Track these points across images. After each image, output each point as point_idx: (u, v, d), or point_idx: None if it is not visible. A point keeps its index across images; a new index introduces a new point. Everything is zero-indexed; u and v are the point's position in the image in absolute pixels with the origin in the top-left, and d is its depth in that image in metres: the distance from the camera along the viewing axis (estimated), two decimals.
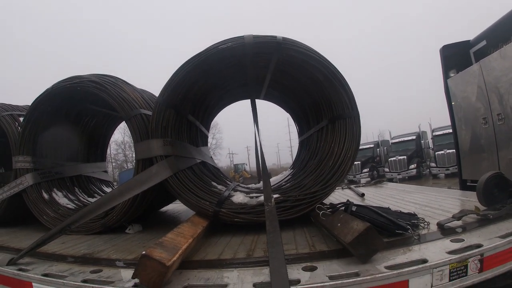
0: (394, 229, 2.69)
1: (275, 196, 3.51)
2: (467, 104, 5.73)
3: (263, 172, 4.08)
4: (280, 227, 2.77)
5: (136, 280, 2.16)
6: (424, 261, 2.22)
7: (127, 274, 2.48)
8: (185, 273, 2.41)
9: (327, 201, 3.92)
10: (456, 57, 6.14)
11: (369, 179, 25.48)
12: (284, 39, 3.75)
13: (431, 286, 2.15)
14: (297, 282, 2.13)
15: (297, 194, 3.65)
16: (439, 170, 23.13)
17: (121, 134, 46.75)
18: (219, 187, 4.04)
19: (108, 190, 6.07)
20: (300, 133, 5.75)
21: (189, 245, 2.60)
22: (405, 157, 25.08)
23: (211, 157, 5.60)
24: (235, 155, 63.03)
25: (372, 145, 30.51)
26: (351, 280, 2.08)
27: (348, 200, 3.25)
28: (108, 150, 7.07)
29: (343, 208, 3.11)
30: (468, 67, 5.71)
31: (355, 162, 3.95)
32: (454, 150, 6.55)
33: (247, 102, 4.96)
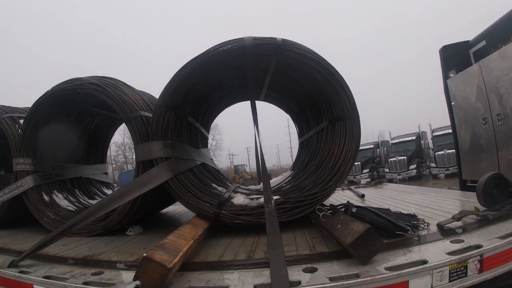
0: (394, 230, 2.70)
1: (275, 197, 3.52)
2: (467, 105, 5.74)
3: (263, 174, 4.08)
4: (281, 228, 2.78)
5: (138, 282, 2.16)
6: (424, 262, 2.23)
7: (128, 276, 2.49)
8: (186, 275, 2.41)
9: (327, 202, 3.93)
10: (455, 58, 6.15)
11: (369, 179, 25.45)
12: (284, 40, 3.76)
13: (431, 287, 2.16)
14: (298, 283, 2.13)
15: (297, 195, 3.65)
16: (439, 171, 23.12)
17: (121, 135, 46.73)
18: (220, 188, 4.05)
19: (108, 192, 6.07)
20: (300, 135, 5.76)
21: (190, 247, 2.61)
22: (405, 157, 25.06)
23: (211, 158, 5.61)
24: (235, 156, 62.98)
25: (372, 146, 30.48)
26: (351, 281, 2.09)
27: (348, 202, 3.27)
28: (108, 151, 7.07)
29: (343, 209, 3.12)
30: (467, 67, 5.72)
31: (355, 163, 3.94)
32: (454, 150, 6.55)
33: (247, 103, 4.96)
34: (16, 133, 5.02)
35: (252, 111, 4.51)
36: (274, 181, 5.14)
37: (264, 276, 2.29)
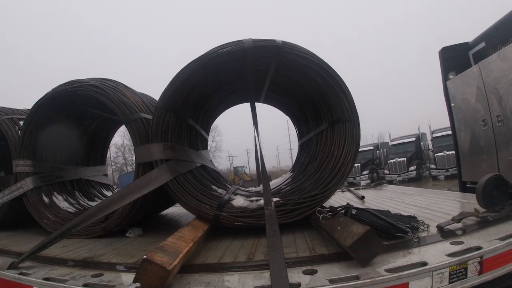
0: (394, 232, 2.70)
1: (275, 199, 3.52)
2: (467, 106, 5.75)
3: (263, 175, 4.09)
4: (280, 230, 2.78)
5: (137, 284, 2.16)
6: (424, 263, 2.23)
7: (128, 278, 2.49)
8: (186, 277, 2.41)
9: (327, 204, 3.93)
10: (455, 59, 6.16)
11: (369, 181, 25.44)
12: (284, 43, 3.77)
13: None
14: (298, 285, 2.14)
15: (297, 197, 3.65)
16: (438, 172, 23.11)
17: (121, 137, 46.79)
18: (219, 190, 4.05)
19: (108, 193, 6.06)
20: (299, 136, 5.76)
21: (189, 249, 2.61)
22: (405, 159, 25.05)
23: (211, 160, 5.61)
24: (235, 157, 62.97)
25: (371, 147, 30.48)
26: (351, 283, 2.09)
27: (348, 203, 3.27)
28: (108, 153, 7.07)
29: (343, 211, 3.12)
30: (467, 69, 5.73)
31: (354, 165, 3.95)
32: (454, 152, 6.56)
33: (247, 104, 4.97)
34: (16, 134, 5.03)
35: (252, 113, 4.52)
36: (274, 183, 5.14)
37: (264, 278, 2.29)
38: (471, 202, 3.99)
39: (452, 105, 6.18)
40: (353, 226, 2.45)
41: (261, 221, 3.34)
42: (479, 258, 2.30)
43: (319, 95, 4.23)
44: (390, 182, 21.67)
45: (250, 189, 5.26)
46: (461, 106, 5.95)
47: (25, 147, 4.78)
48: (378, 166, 29.15)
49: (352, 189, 7.07)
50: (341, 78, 3.87)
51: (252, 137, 4.61)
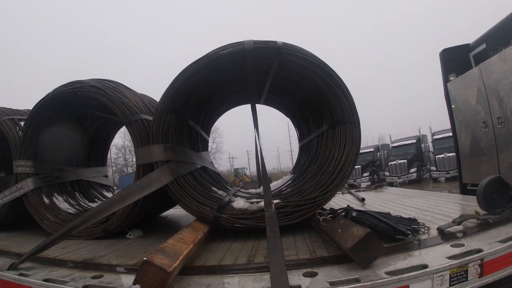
0: (394, 235, 2.70)
1: (275, 201, 3.52)
2: (467, 108, 5.75)
3: (263, 177, 4.08)
4: (281, 232, 2.78)
5: (137, 286, 2.15)
6: (425, 266, 2.22)
7: (128, 279, 2.49)
8: (186, 279, 2.41)
9: (327, 206, 3.92)
10: (456, 61, 6.17)
11: (369, 183, 25.45)
12: (285, 44, 3.77)
13: None
14: None
15: (298, 199, 3.65)
16: (439, 174, 23.10)
17: (121, 138, 46.85)
18: (220, 192, 4.05)
19: (108, 194, 6.07)
20: (300, 138, 5.76)
21: (190, 251, 2.60)
22: (406, 161, 25.05)
23: (212, 162, 5.61)
24: (235, 159, 63.06)
25: (372, 149, 30.49)
26: (351, 285, 2.08)
27: (348, 206, 3.26)
28: (109, 154, 7.08)
29: (343, 213, 3.12)
30: (468, 70, 5.74)
31: (355, 166, 3.94)
32: (454, 154, 6.56)
33: (248, 106, 4.97)
34: (16, 135, 5.03)
35: (252, 115, 4.52)
36: (274, 185, 5.14)
37: (264, 280, 2.29)
38: (471, 204, 3.99)
39: (452, 106, 6.18)
40: (353, 229, 2.44)
41: (261, 223, 3.34)
42: (479, 261, 2.30)
43: (319, 96, 4.23)
44: (391, 184, 21.68)
45: (251, 191, 5.26)
46: (461, 107, 5.95)
47: (26, 147, 4.78)
48: (379, 168, 29.17)
49: (352, 191, 7.07)
50: (341, 80, 3.87)
51: (253, 139, 4.62)
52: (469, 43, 6.12)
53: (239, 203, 3.71)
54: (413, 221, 3.09)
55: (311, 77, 3.99)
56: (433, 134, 25.43)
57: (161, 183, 3.65)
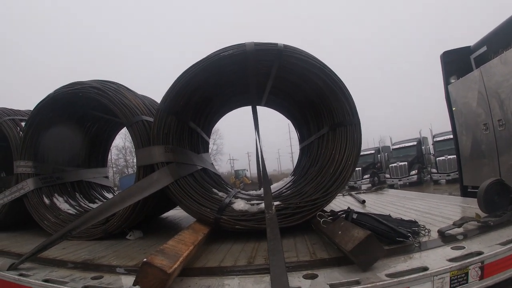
0: (394, 237, 2.69)
1: (275, 203, 3.52)
2: (468, 110, 5.75)
3: (263, 179, 4.08)
4: (281, 234, 2.78)
5: (137, 287, 2.16)
6: (425, 268, 2.22)
7: (128, 280, 2.49)
8: (186, 280, 2.41)
9: (328, 208, 3.92)
10: (456, 63, 6.16)
11: (370, 185, 25.44)
12: (285, 46, 3.78)
13: None
14: None
15: (298, 201, 3.64)
16: (440, 176, 23.09)
17: (122, 139, 46.85)
18: (220, 194, 4.05)
19: (109, 195, 6.07)
20: (301, 140, 5.76)
21: (190, 252, 2.60)
22: (406, 163, 25.03)
23: (212, 163, 5.61)
24: (236, 161, 63.09)
25: (373, 151, 30.46)
26: None
27: (349, 208, 3.26)
28: (109, 155, 7.08)
29: (344, 215, 3.12)
30: (468, 73, 5.73)
31: (356, 168, 3.94)
32: (455, 156, 6.55)
33: (248, 108, 4.97)
34: (17, 135, 5.04)
35: (253, 116, 4.52)
36: (274, 187, 5.14)
37: (264, 282, 2.29)
38: (472, 206, 3.98)
39: (453, 109, 6.18)
40: (354, 231, 2.44)
41: (261, 224, 3.34)
42: (480, 263, 2.29)
43: (320, 98, 4.23)
44: (391, 186, 21.65)
45: (251, 192, 5.25)
46: (462, 110, 5.95)
47: (27, 148, 4.79)
48: (379, 170, 29.15)
49: (353, 193, 7.07)
50: (342, 82, 3.87)
51: (253, 140, 4.62)
52: (470, 46, 6.12)
53: (240, 204, 3.71)
54: (413, 223, 3.08)
55: (312, 79, 3.99)
56: (433, 136, 25.46)
57: (161, 184, 3.65)
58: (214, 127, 5.92)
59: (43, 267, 3.03)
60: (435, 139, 24.82)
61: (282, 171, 65.85)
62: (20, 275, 2.84)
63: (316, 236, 3.32)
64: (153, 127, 3.84)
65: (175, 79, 3.78)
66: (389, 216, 3.30)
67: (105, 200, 5.61)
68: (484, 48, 5.70)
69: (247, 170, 47.46)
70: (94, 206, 5.14)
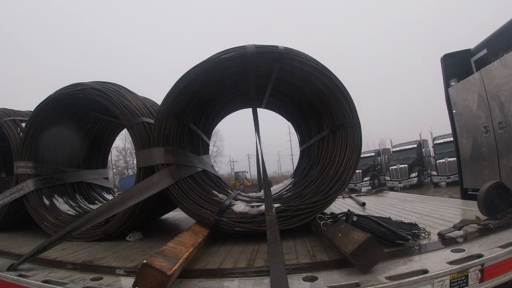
0: (395, 239, 2.70)
1: (276, 205, 3.52)
2: (468, 113, 5.76)
3: (264, 182, 4.08)
4: (281, 236, 2.78)
5: None
6: (425, 271, 2.21)
7: (127, 282, 2.48)
8: (186, 282, 2.40)
9: (328, 210, 3.92)
10: (457, 66, 6.19)
11: (370, 187, 25.43)
12: (286, 49, 3.79)
13: None
14: None
15: (298, 203, 3.64)
16: (440, 179, 23.01)
17: (122, 140, 46.93)
18: (220, 195, 4.05)
19: (109, 197, 6.07)
20: (301, 143, 5.76)
21: (189, 254, 2.60)
22: (406, 165, 24.99)
23: (212, 165, 5.61)
24: (236, 162, 63.16)
25: (373, 154, 30.45)
26: None
27: (349, 210, 3.26)
28: (109, 156, 7.08)
29: (344, 218, 3.11)
30: (469, 75, 5.75)
31: (356, 171, 3.94)
32: (455, 159, 6.55)
33: (249, 110, 4.98)
34: (18, 136, 5.04)
35: (253, 119, 4.52)
36: (274, 189, 5.14)
37: (264, 284, 2.28)
38: (472, 209, 3.99)
39: (453, 111, 6.19)
40: (354, 233, 2.44)
41: (261, 227, 3.34)
42: (480, 266, 2.29)
43: (320, 101, 4.24)
44: (391, 189, 21.67)
45: (251, 194, 5.25)
46: (462, 113, 5.95)
47: (27, 149, 4.80)
48: (380, 173, 29.14)
49: (353, 195, 7.07)
50: (342, 84, 3.88)
51: (254, 142, 4.62)
52: (470, 49, 6.14)
53: (240, 206, 3.71)
54: (413, 226, 3.09)
55: (312, 82, 4.00)
56: (434, 139, 25.43)
57: (161, 186, 3.65)
58: (215, 129, 5.92)
59: (43, 268, 3.02)
60: (435, 142, 24.80)
61: (282, 173, 66.02)
62: (20, 275, 2.83)
63: (316, 238, 3.31)
64: (154, 128, 3.85)
65: (176, 81, 3.79)
66: (389, 218, 3.30)
67: (105, 201, 5.61)
68: (484, 51, 5.72)
69: (247, 172, 47.55)
70: (94, 207, 5.13)
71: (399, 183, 24.75)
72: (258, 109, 5.02)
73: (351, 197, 6.78)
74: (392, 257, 2.50)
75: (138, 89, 4.82)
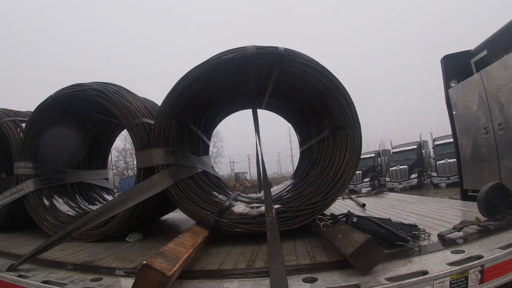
0: (394, 241, 2.69)
1: (276, 206, 3.52)
2: (468, 114, 5.75)
3: (264, 183, 4.08)
4: (281, 237, 2.78)
5: None
6: (425, 272, 2.21)
7: (127, 283, 2.48)
8: (186, 283, 2.40)
9: (328, 211, 3.91)
10: (457, 67, 6.18)
11: (370, 188, 25.41)
12: (286, 50, 3.79)
13: None
14: None
15: (298, 204, 3.64)
16: (440, 180, 23.00)
17: (122, 141, 46.91)
18: (220, 196, 4.05)
19: (108, 197, 6.07)
20: (301, 144, 5.76)
21: (189, 255, 2.60)
22: (406, 166, 24.98)
23: (212, 166, 5.61)
24: (236, 163, 63.15)
25: (373, 155, 30.44)
26: None
27: (349, 211, 3.25)
28: (109, 157, 7.08)
29: (344, 219, 3.11)
30: (469, 76, 5.75)
31: (356, 172, 3.94)
32: (455, 160, 6.55)
33: (249, 111, 4.98)
34: (18, 136, 5.05)
35: (253, 120, 4.52)
36: (274, 190, 5.14)
37: (264, 285, 2.28)
38: (472, 210, 3.98)
39: (453, 112, 6.19)
40: (354, 234, 2.43)
41: (261, 228, 3.34)
42: (480, 267, 2.29)
43: (320, 102, 4.24)
44: (391, 190, 21.66)
45: (251, 195, 5.25)
46: (462, 114, 5.95)
47: (27, 149, 4.80)
48: (380, 174, 29.12)
49: (353, 196, 7.06)
50: (342, 86, 3.88)
51: (254, 143, 4.62)
52: (470, 50, 6.14)
53: (240, 207, 3.71)
54: (413, 227, 3.08)
55: (313, 83, 4.00)
56: (434, 140, 25.41)
57: (161, 186, 3.65)
58: (215, 129, 5.92)
59: (43, 269, 3.02)
60: (435, 143, 24.78)
61: (282, 174, 66.00)
62: (19, 276, 2.83)
63: (316, 239, 3.31)
64: (154, 129, 3.85)
65: (176, 81, 3.79)
66: (389, 219, 3.29)
67: (105, 202, 5.60)
68: (484, 52, 5.72)
69: (247, 173, 47.51)
70: (94, 208, 5.13)
71: (399, 184, 24.74)
72: (258, 110, 5.02)
73: (351, 198, 6.77)
74: (392, 258, 2.50)
75: (138, 89, 4.82)
